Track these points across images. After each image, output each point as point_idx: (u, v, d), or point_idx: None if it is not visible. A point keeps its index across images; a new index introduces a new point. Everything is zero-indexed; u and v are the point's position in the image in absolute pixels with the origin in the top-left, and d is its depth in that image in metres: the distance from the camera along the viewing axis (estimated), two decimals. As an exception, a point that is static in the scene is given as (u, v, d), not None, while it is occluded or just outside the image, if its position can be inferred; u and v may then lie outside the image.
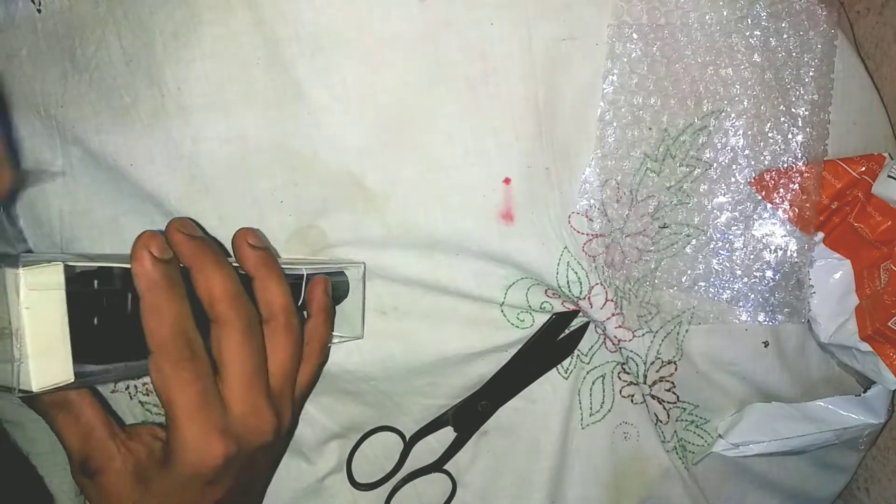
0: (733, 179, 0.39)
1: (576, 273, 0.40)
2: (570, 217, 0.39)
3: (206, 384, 0.30)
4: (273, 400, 0.33)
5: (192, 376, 0.29)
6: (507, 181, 0.39)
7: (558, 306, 0.41)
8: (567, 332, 0.42)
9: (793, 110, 0.39)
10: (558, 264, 0.40)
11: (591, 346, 0.43)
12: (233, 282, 0.31)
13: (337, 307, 0.39)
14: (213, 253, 0.31)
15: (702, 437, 0.44)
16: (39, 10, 0.38)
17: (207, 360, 0.30)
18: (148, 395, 0.43)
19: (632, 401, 0.43)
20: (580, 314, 0.42)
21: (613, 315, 0.41)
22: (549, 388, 0.43)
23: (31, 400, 0.28)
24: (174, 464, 0.30)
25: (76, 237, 0.41)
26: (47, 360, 0.26)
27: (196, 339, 0.30)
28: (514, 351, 0.42)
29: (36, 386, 0.26)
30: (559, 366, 0.43)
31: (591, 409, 0.44)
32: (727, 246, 0.40)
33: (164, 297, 0.29)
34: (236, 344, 0.31)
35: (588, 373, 0.43)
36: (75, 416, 0.31)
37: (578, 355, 0.43)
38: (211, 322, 0.31)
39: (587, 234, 0.40)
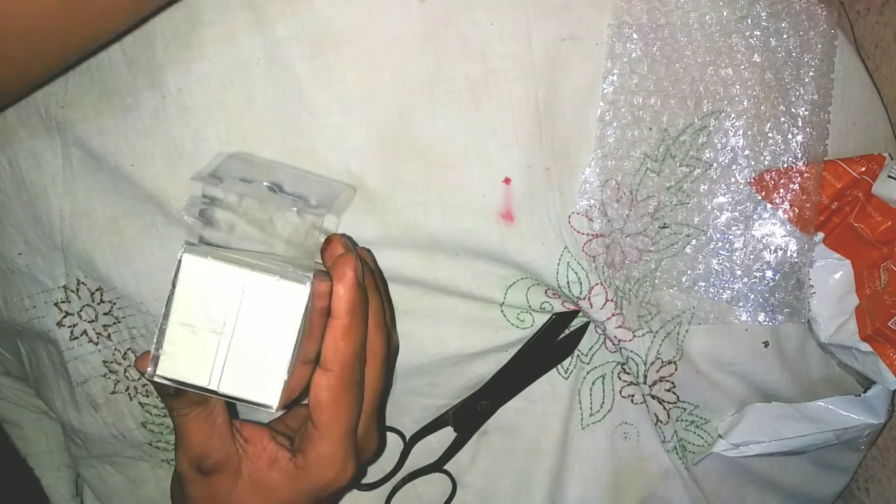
0: (733, 179, 0.39)
1: (576, 273, 0.40)
2: (570, 217, 0.39)
3: (360, 409, 0.31)
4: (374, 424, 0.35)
5: (356, 401, 0.31)
6: (506, 181, 0.38)
7: (558, 306, 0.41)
8: (567, 332, 0.42)
9: (793, 110, 0.38)
10: (558, 264, 0.40)
11: (591, 347, 0.42)
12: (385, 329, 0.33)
13: None
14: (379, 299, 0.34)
15: (702, 438, 0.44)
16: (39, 11, 0.38)
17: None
18: (148, 396, 0.43)
19: (632, 401, 0.43)
20: (580, 314, 0.41)
21: (613, 315, 0.41)
22: (549, 388, 0.43)
23: (168, 390, 0.26)
24: (308, 478, 0.31)
25: (77, 237, 0.40)
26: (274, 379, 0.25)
27: (364, 366, 0.31)
28: (514, 351, 0.42)
29: (277, 406, 0.25)
30: (559, 366, 0.42)
31: (591, 409, 0.43)
32: (727, 246, 0.40)
33: (358, 321, 0.29)
34: (375, 377, 0.33)
35: (588, 373, 0.43)
36: (208, 412, 0.30)
37: (578, 355, 0.42)
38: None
39: (587, 234, 0.39)
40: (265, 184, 0.33)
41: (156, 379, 0.25)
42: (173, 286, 0.24)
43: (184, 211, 0.31)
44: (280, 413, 0.28)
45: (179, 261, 0.24)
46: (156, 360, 0.24)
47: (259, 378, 0.25)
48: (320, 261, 0.38)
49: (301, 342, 0.25)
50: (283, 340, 0.24)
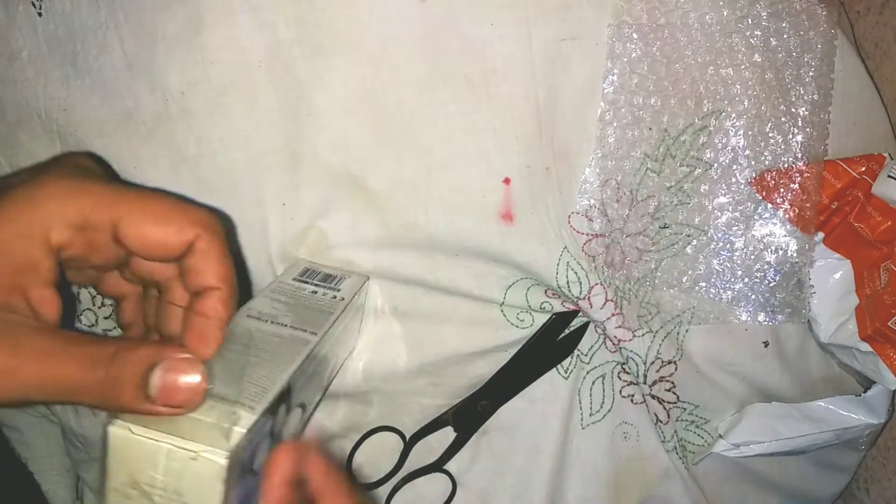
0: (734, 179, 0.38)
1: (575, 273, 0.39)
2: (570, 217, 0.39)
3: None
4: None
5: None
6: (506, 181, 0.38)
7: (558, 306, 0.40)
8: (567, 332, 0.41)
9: (793, 110, 0.38)
10: (558, 264, 0.39)
11: (591, 346, 0.42)
12: None
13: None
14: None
15: (702, 438, 0.44)
16: (40, 14, 0.38)
17: None
18: None
19: (632, 401, 0.42)
20: (580, 314, 0.41)
21: (613, 315, 0.40)
22: (549, 388, 0.42)
23: None
24: None
25: None
26: None
27: None
28: (513, 351, 0.41)
29: None
30: (559, 366, 0.42)
31: (591, 408, 0.43)
32: (728, 246, 0.39)
33: None
34: None
35: (588, 373, 0.42)
36: None
37: (578, 355, 0.42)
38: None
39: (587, 234, 0.39)
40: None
41: None
42: (104, 454, 0.23)
43: None
44: None
45: (106, 431, 0.23)
46: None
47: None
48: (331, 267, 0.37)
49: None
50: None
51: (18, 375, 0.22)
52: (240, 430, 0.24)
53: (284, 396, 0.28)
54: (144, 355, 0.23)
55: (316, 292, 0.36)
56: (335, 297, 0.36)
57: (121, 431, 0.23)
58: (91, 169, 0.25)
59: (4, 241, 0.22)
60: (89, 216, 0.23)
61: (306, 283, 0.36)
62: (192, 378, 0.23)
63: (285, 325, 0.31)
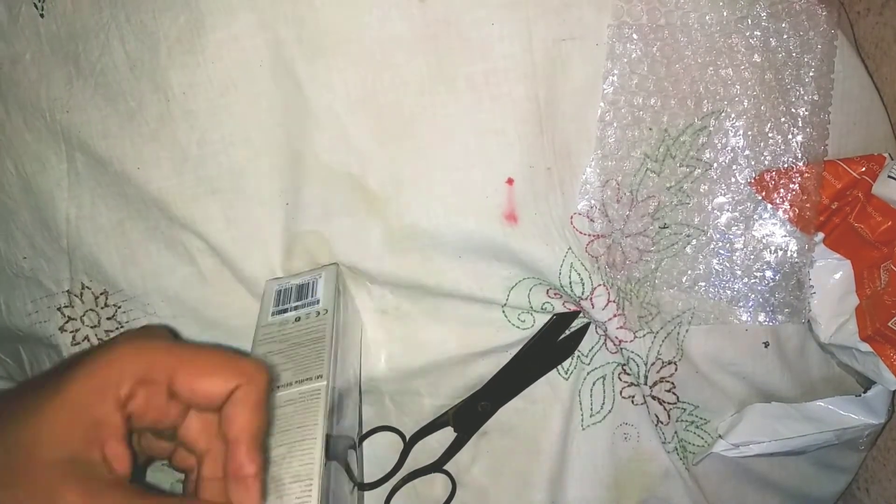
0: (733, 180, 0.38)
1: (578, 274, 0.39)
2: (572, 218, 0.38)
3: None
4: None
5: None
6: (509, 181, 0.37)
7: (559, 307, 0.40)
8: (568, 332, 0.40)
9: (793, 110, 0.37)
10: (561, 265, 0.38)
11: (592, 347, 0.41)
12: None
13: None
14: None
15: (702, 438, 0.43)
16: (42, 15, 0.37)
17: None
18: None
19: (632, 402, 0.42)
20: (581, 315, 0.40)
21: (615, 316, 0.40)
22: (550, 389, 0.41)
23: None
24: None
25: (83, 241, 0.40)
26: None
27: None
28: (514, 351, 0.41)
29: None
30: (560, 367, 0.41)
31: (591, 409, 0.42)
32: (727, 246, 0.39)
33: None
34: None
35: (588, 374, 0.42)
36: None
37: (579, 356, 0.41)
38: None
39: (589, 235, 0.38)
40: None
41: None
42: None
43: None
44: None
45: None
46: None
47: None
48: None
49: None
50: None
51: None
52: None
53: (330, 451, 0.28)
54: None
55: (299, 319, 0.35)
56: (318, 312, 0.35)
57: None
58: (158, 333, 0.28)
59: (82, 397, 0.24)
60: (149, 370, 0.25)
61: (286, 310, 0.36)
62: None
63: (291, 385, 0.31)
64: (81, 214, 0.39)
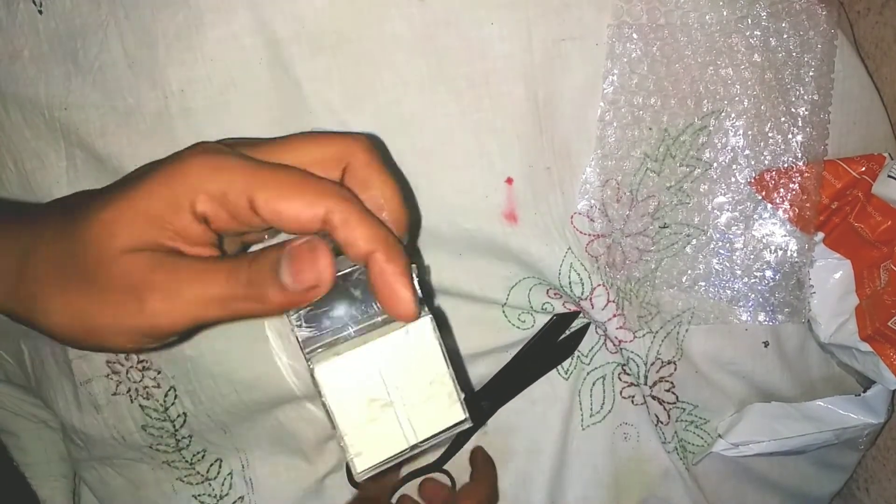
0: (733, 179, 0.37)
1: (578, 274, 0.39)
2: (572, 217, 0.38)
3: None
4: None
5: None
6: (509, 181, 0.37)
7: (559, 307, 0.39)
8: (567, 333, 0.40)
9: (793, 110, 0.37)
10: (561, 265, 0.38)
11: (592, 348, 0.41)
12: None
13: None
14: None
15: (701, 438, 0.42)
16: (41, 12, 0.37)
17: None
18: (148, 399, 0.41)
19: (632, 402, 0.41)
20: (581, 315, 0.40)
21: (615, 316, 0.39)
22: (550, 389, 0.41)
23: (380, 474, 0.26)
24: None
25: None
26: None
27: None
28: (514, 351, 0.40)
29: (468, 417, 0.26)
30: (559, 367, 0.41)
31: (591, 409, 0.42)
32: (727, 246, 0.38)
33: None
34: None
35: (588, 374, 0.41)
36: None
37: (579, 356, 0.41)
38: None
39: (589, 235, 0.38)
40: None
41: (364, 477, 0.25)
42: (322, 397, 0.24)
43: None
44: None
45: (313, 376, 0.24)
46: (353, 466, 0.25)
47: (440, 408, 0.25)
48: None
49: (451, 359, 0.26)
50: (438, 369, 0.25)
51: (183, 294, 0.23)
52: (426, 311, 0.24)
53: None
54: (273, 251, 0.23)
55: None
56: None
57: (327, 366, 0.23)
58: (228, 149, 0.25)
59: (156, 211, 0.23)
60: (227, 191, 0.23)
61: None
62: (315, 257, 0.22)
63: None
64: None
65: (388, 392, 0.24)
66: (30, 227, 0.26)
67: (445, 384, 0.25)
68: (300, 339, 0.25)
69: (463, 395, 0.25)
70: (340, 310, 0.25)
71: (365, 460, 0.24)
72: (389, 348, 0.24)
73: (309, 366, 0.24)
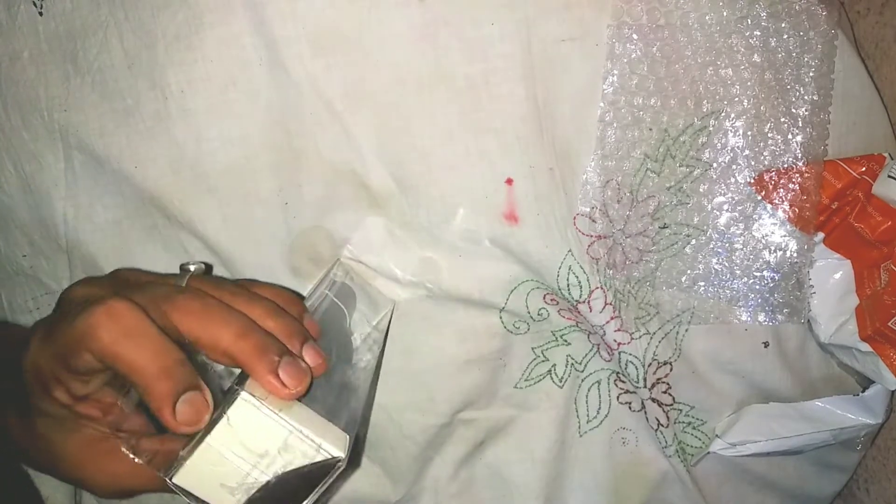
0: (733, 179, 0.37)
1: (577, 276, 0.38)
2: (575, 218, 0.37)
3: None
4: None
5: None
6: (509, 181, 0.37)
7: (554, 313, 0.39)
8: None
9: (793, 110, 0.37)
10: (560, 267, 0.38)
11: (585, 355, 0.40)
12: None
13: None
14: None
15: (699, 439, 0.42)
16: (41, 13, 0.37)
17: None
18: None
19: (629, 407, 0.41)
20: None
21: (612, 318, 0.39)
22: (545, 397, 0.40)
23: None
24: None
25: (81, 240, 0.39)
26: None
27: None
28: (507, 359, 0.39)
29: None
30: (554, 374, 0.40)
31: (588, 416, 0.41)
32: (727, 246, 0.38)
33: None
34: None
35: (583, 380, 0.41)
36: None
37: (572, 364, 0.40)
38: None
39: (591, 236, 0.38)
40: None
41: (169, 483, 0.25)
42: (223, 413, 0.25)
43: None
44: None
45: (235, 396, 0.25)
46: (179, 465, 0.25)
47: (307, 456, 0.26)
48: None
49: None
50: (279, 434, 0.26)
51: None
52: (349, 438, 0.26)
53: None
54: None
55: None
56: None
57: (249, 406, 0.25)
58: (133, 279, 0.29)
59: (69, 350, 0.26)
60: (132, 328, 0.25)
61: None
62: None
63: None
64: (79, 214, 0.39)
65: (254, 461, 0.25)
66: None
67: (302, 440, 0.25)
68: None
69: (321, 442, 0.25)
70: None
71: (184, 478, 0.25)
72: (224, 436, 0.25)
73: (238, 391, 0.25)
